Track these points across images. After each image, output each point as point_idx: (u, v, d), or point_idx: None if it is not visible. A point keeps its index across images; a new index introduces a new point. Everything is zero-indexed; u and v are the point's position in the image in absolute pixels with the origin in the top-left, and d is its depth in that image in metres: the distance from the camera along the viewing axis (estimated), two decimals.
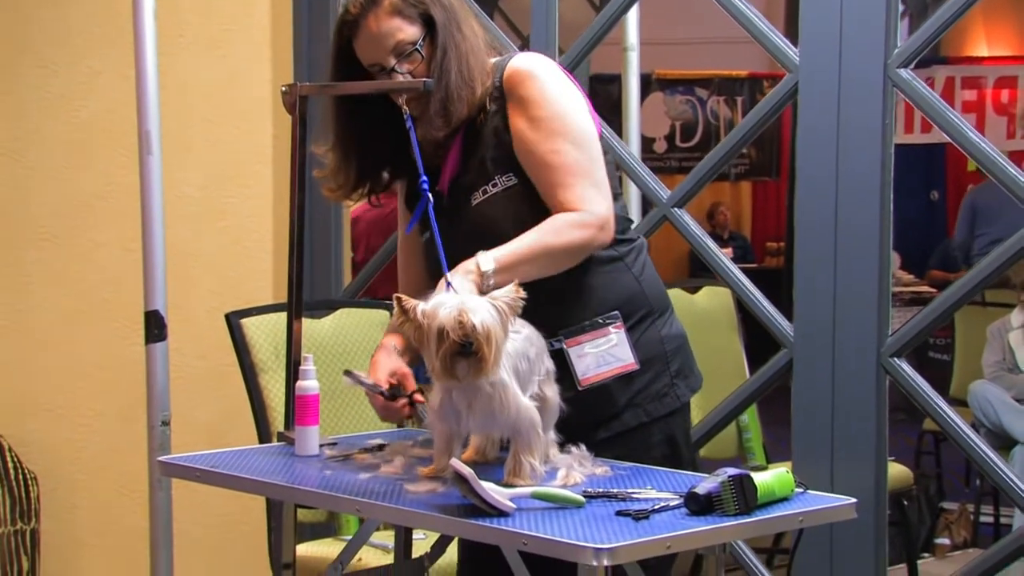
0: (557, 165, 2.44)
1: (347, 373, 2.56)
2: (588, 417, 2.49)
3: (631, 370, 2.51)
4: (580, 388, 2.48)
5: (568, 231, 2.40)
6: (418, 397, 2.51)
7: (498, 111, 2.50)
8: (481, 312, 2.15)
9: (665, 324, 2.59)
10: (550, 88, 2.49)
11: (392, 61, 2.50)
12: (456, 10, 2.53)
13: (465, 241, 2.39)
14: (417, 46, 2.49)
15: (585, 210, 2.42)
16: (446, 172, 2.55)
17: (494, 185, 2.49)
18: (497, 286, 2.27)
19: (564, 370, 2.46)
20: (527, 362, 2.28)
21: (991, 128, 9.65)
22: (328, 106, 2.63)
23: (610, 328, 2.50)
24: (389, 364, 2.55)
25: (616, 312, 2.51)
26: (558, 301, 2.49)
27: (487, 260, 2.32)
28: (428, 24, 2.50)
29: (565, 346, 2.49)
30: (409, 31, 2.49)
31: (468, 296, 2.19)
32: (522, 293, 2.20)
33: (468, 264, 2.33)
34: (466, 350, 2.14)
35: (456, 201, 2.53)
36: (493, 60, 2.58)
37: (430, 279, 2.47)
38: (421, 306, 2.19)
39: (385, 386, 2.52)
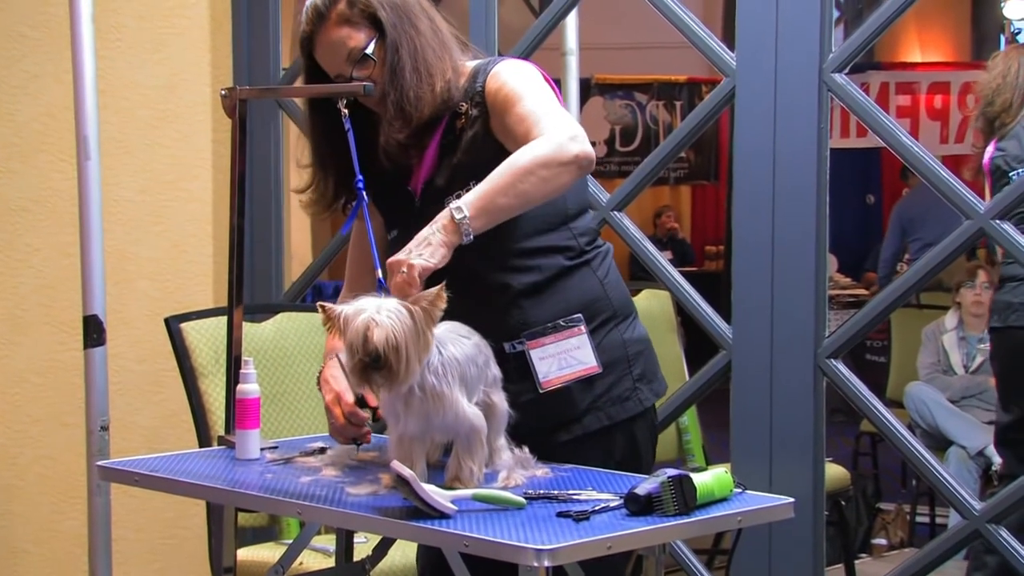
0: (523, 116, 2.40)
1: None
2: (549, 420, 2.49)
3: (593, 373, 2.49)
4: (541, 391, 2.47)
5: (533, 147, 2.29)
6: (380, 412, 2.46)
7: (479, 116, 2.49)
8: (387, 326, 2.13)
9: (628, 328, 2.58)
10: (520, 76, 2.48)
11: (349, 69, 2.49)
12: (410, 8, 2.51)
13: None
14: (368, 51, 2.48)
15: (549, 128, 2.34)
16: (421, 172, 2.54)
17: (467, 190, 2.41)
18: (479, 231, 2.24)
19: (525, 372, 2.46)
20: (475, 367, 2.28)
21: (925, 133, 9.77)
22: (305, 122, 2.63)
23: (573, 331, 2.48)
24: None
25: (579, 315, 2.49)
26: (521, 303, 2.48)
27: (459, 208, 2.24)
28: (379, 27, 2.49)
29: (527, 348, 2.47)
30: (358, 37, 2.48)
31: (383, 303, 2.17)
32: (444, 300, 2.17)
33: (440, 218, 2.25)
34: (375, 364, 2.15)
35: (429, 203, 2.49)
36: (474, 62, 2.57)
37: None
38: (343, 312, 2.18)
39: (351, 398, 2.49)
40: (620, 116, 11.55)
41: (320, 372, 2.59)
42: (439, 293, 2.17)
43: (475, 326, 2.34)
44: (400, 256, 2.24)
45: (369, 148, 2.52)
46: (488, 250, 2.34)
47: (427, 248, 2.24)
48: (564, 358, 2.47)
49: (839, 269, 8.86)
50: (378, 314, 2.14)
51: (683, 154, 10.75)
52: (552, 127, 2.34)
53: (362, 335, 2.14)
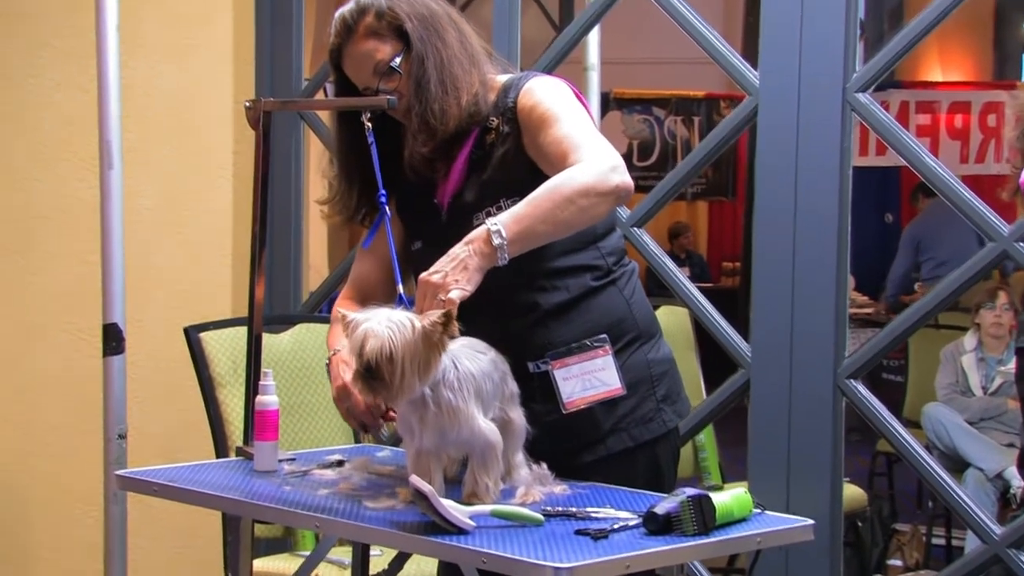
0: (560, 138, 2.37)
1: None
2: (572, 441, 2.46)
3: (617, 395, 2.45)
4: (565, 411, 2.43)
5: (575, 175, 2.27)
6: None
7: (511, 133, 2.47)
8: (383, 337, 2.12)
9: (652, 348, 2.54)
10: (555, 95, 2.47)
11: (376, 82, 2.49)
12: (438, 20, 2.50)
13: None
14: (394, 64, 2.48)
15: (589, 156, 2.32)
16: (448, 186, 2.52)
17: (499, 208, 2.39)
18: (514, 255, 2.23)
19: (548, 393, 2.44)
20: (491, 383, 2.26)
21: (945, 152, 9.73)
22: (331, 132, 2.64)
23: (598, 351, 2.44)
24: None
25: (604, 335, 2.45)
26: (547, 322, 2.45)
27: (498, 233, 2.22)
28: (406, 40, 2.48)
29: (551, 368, 2.44)
30: (385, 50, 2.48)
31: (393, 314, 2.16)
32: (455, 329, 2.15)
33: (476, 239, 2.22)
34: (370, 374, 2.15)
35: (456, 218, 2.47)
36: (505, 77, 2.55)
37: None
38: (354, 319, 2.18)
39: None
40: (638, 131, 11.54)
41: (329, 359, 2.54)
42: (453, 320, 2.15)
43: (500, 344, 2.32)
44: (435, 278, 2.22)
45: (396, 158, 2.52)
46: (517, 269, 2.28)
47: (463, 273, 2.21)
48: (588, 379, 2.44)
49: (856, 288, 8.83)
50: (379, 324, 2.14)
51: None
52: (592, 155, 2.32)
53: (359, 343, 2.15)
